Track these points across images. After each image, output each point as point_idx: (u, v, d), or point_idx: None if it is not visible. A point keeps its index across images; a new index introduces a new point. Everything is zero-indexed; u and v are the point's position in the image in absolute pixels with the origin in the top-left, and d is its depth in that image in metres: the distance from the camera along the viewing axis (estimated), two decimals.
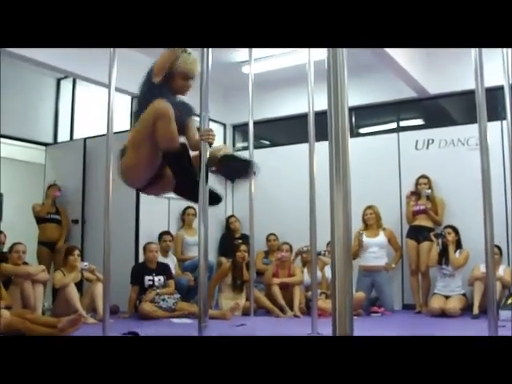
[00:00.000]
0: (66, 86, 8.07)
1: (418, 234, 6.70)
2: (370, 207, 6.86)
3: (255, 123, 5.79)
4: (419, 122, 7.90)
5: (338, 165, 1.37)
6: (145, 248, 6.45)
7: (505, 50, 3.65)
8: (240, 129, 8.71)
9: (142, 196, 6.92)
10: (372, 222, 6.85)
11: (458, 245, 6.34)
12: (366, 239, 6.74)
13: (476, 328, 4.85)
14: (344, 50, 1.51)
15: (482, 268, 5.81)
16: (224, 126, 8.70)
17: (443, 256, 6.34)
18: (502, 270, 5.98)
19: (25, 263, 5.80)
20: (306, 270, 6.82)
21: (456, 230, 6.35)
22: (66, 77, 7.71)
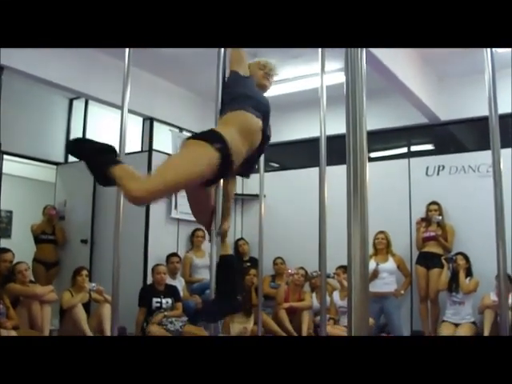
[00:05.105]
0: (79, 106, 8.11)
1: (427, 260, 6.65)
2: (381, 232, 6.81)
3: None
4: (430, 147, 7.89)
5: (356, 188, 1.36)
6: (153, 270, 6.41)
7: None
8: None
9: (152, 218, 6.92)
10: (382, 247, 6.80)
11: (468, 272, 6.29)
12: (374, 264, 6.68)
13: None
14: (364, 69, 1.49)
15: (493, 296, 5.76)
16: None
17: (453, 282, 6.29)
18: None
19: (32, 282, 5.80)
20: (314, 295, 6.78)
21: (466, 258, 6.30)
22: (78, 97, 7.76)
